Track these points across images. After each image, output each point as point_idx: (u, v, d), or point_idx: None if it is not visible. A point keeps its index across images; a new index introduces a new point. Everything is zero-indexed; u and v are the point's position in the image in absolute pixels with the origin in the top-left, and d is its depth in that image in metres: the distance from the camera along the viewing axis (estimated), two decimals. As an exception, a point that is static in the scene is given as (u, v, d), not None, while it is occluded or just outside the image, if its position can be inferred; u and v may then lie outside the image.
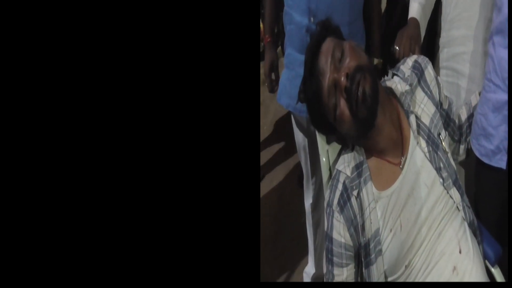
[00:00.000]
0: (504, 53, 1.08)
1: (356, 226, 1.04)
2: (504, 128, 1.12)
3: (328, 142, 1.17)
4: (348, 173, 1.06)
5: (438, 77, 1.17)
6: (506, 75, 1.08)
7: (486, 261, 1.11)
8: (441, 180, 1.04)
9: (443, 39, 1.42)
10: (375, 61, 1.51)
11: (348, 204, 1.04)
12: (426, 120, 1.09)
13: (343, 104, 1.00)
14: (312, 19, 1.39)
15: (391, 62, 1.40)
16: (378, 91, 1.00)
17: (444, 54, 1.43)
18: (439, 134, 1.09)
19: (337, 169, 1.09)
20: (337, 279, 1.08)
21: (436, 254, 1.02)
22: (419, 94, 1.12)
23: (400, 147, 1.06)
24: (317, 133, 1.20)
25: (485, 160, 1.18)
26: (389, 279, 1.06)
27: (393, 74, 1.16)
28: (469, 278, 1.01)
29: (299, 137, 1.62)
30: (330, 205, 1.07)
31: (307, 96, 1.06)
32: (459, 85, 1.39)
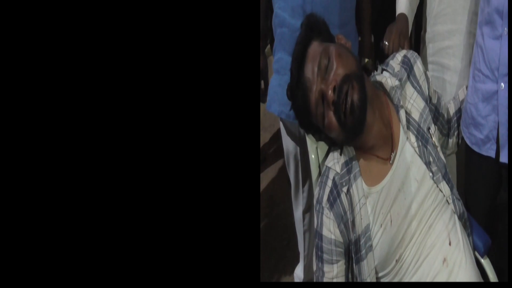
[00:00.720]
0: (493, 44, 1.09)
1: (346, 223, 1.03)
2: (493, 118, 1.13)
3: (317, 139, 1.17)
4: (338, 170, 1.06)
5: (427, 71, 1.18)
6: (495, 65, 1.10)
7: (476, 252, 1.12)
8: (430, 174, 1.05)
9: (428, 34, 1.43)
10: (365, 61, 1.50)
11: (338, 200, 1.04)
12: (415, 115, 1.09)
13: (331, 115, 1.00)
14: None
15: (380, 57, 1.40)
16: (367, 99, 1.00)
17: (430, 49, 1.44)
18: (428, 129, 1.09)
19: (326, 166, 1.09)
20: (327, 276, 1.08)
21: (427, 247, 1.03)
22: (409, 89, 1.12)
23: (390, 142, 1.06)
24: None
25: (475, 148, 1.19)
26: (380, 274, 1.06)
27: (383, 70, 1.16)
28: (459, 270, 1.02)
29: (290, 146, 1.56)
30: (319, 201, 1.07)
31: (295, 104, 1.06)
32: (444, 79, 1.40)
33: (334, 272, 1.07)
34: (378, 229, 1.02)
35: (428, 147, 1.07)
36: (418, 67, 1.15)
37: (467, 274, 1.02)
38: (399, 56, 1.17)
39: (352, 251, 1.04)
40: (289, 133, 1.54)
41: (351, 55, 1.04)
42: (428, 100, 1.13)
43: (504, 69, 1.08)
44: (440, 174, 1.06)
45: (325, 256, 1.06)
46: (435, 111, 1.17)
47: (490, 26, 1.10)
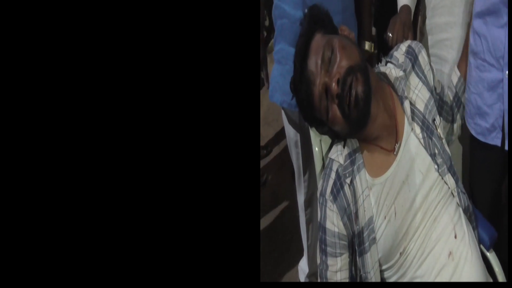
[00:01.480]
0: (499, 33, 1.09)
1: (349, 215, 1.02)
2: (499, 106, 1.13)
3: (321, 133, 1.16)
4: (341, 161, 1.05)
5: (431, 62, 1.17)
6: (500, 54, 1.10)
7: (481, 246, 1.11)
8: (436, 166, 1.03)
9: (427, 26, 1.44)
10: (366, 44, 1.50)
11: (341, 192, 1.03)
12: (420, 106, 1.08)
13: (335, 109, 0.99)
14: (306, 11, 1.37)
15: (384, 49, 1.40)
16: (371, 91, 0.98)
17: (428, 41, 1.44)
18: (433, 120, 1.08)
19: (330, 158, 1.08)
20: (331, 269, 1.07)
21: (432, 240, 1.01)
22: (413, 79, 1.11)
23: (394, 133, 1.05)
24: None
25: (480, 138, 1.20)
26: (384, 267, 1.05)
27: (387, 62, 1.15)
28: (464, 263, 1.01)
29: (291, 133, 1.60)
30: (323, 194, 1.06)
31: (298, 97, 1.04)
32: (443, 72, 1.41)
33: (338, 265, 1.06)
34: (382, 221, 1.01)
35: (433, 138, 1.06)
36: (423, 57, 1.14)
37: (473, 268, 1.01)
38: (403, 46, 1.16)
39: (356, 243, 1.04)
40: (290, 120, 1.57)
41: (354, 46, 1.03)
42: (433, 90, 1.12)
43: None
44: (445, 166, 1.04)
45: (328, 249, 1.06)
46: (439, 100, 1.16)
47: (494, 15, 1.09)
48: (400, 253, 1.02)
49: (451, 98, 1.23)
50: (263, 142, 2.62)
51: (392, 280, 1.07)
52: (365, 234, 1.02)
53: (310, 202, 1.67)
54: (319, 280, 1.12)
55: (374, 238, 1.02)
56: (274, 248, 2.01)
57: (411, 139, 1.05)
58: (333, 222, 1.04)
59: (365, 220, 1.01)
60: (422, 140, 1.04)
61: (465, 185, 1.12)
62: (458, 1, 1.33)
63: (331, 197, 1.04)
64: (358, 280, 1.08)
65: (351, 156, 1.05)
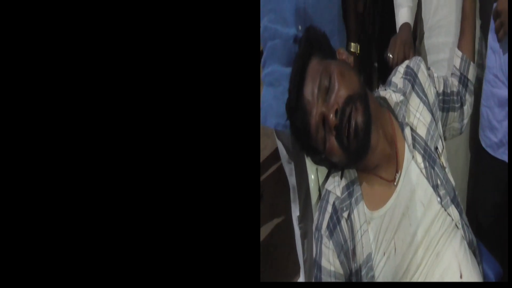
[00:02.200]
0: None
1: (346, 252, 0.97)
2: (507, 123, 1.14)
3: (316, 163, 1.10)
4: (338, 194, 1.00)
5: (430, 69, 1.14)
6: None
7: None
8: (438, 198, 0.98)
9: (424, 47, 1.42)
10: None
11: (338, 227, 0.98)
12: (422, 131, 1.03)
13: (332, 140, 0.93)
14: (300, 27, 1.33)
15: (384, 69, 1.37)
16: (371, 119, 0.93)
17: (426, 61, 1.42)
18: (436, 148, 1.03)
19: (326, 189, 1.03)
20: None
21: (435, 278, 0.96)
22: (414, 100, 1.06)
23: (394, 162, 0.99)
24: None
25: (489, 150, 1.21)
26: (384, 308, 1.00)
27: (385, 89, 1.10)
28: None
29: (283, 151, 1.58)
30: (318, 229, 1.00)
31: (293, 126, 0.99)
32: None
33: None
34: (381, 257, 0.96)
35: (436, 168, 1.00)
36: (422, 72, 1.09)
37: None
38: (401, 68, 1.11)
39: (353, 281, 0.98)
40: (283, 139, 1.55)
41: (353, 73, 0.97)
42: (435, 111, 1.07)
43: None
44: (448, 198, 0.99)
45: None
46: (443, 95, 1.11)
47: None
48: (401, 293, 0.97)
49: (457, 83, 1.17)
50: (261, 148, 2.59)
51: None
52: (363, 272, 0.96)
53: (303, 217, 1.65)
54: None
55: (373, 276, 0.96)
56: (270, 265, 1.97)
57: (412, 168, 0.99)
58: (329, 260, 0.98)
59: (363, 257, 0.96)
60: (423, 170, 0.99)
61: (469, 197, 1.10)
62: (456, 21, 1.29)
63: (327, 233, 0.98)
64: None
65: (348, 187, 1.00)
